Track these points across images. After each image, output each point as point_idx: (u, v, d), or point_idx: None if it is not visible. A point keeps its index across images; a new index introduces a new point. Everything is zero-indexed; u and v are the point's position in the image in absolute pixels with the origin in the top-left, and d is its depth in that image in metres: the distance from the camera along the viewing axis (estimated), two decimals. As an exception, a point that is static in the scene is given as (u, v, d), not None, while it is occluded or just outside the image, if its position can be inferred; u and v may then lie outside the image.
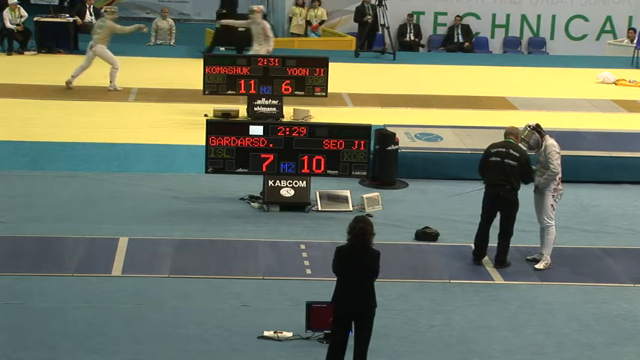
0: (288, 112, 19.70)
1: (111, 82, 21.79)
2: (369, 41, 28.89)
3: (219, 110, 19.66)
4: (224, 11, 26.08)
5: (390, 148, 16.14)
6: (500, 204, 12.68)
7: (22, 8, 26.28)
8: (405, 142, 16.78)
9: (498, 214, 12.77)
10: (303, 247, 13.26)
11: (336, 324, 9.52)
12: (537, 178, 12.85)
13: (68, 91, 21.69)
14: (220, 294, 11.69)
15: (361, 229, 9.35)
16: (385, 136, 16.24)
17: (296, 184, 14.76)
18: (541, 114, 20.38)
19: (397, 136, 16.37)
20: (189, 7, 35.76)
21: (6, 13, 25.92)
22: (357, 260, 9.40)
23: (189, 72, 22.59)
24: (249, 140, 14.51)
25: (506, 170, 12.57)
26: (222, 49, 26.37)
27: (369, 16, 29.16)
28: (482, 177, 13.06)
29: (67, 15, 26.96)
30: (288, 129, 14.59)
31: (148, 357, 10.16)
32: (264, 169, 14.58)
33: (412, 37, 30.71)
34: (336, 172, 14.64)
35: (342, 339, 9.53)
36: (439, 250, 13.41)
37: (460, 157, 16.58)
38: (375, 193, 15.10)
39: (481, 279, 12.51)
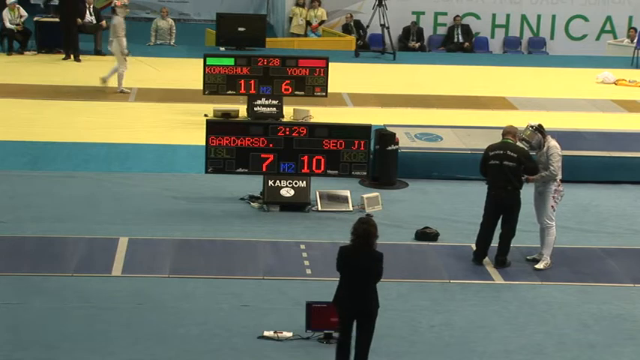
0: (288, 112, 19.69)
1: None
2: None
3: (219, 110, 19.67)
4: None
5: (390, 148, 16.13)
6: (503, 207, 12.69)
7: (21, 8, 26.26)
8: (405, 142, 16.77)
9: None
10: (303, 247, 13.26)
11: (341, 324, 9.54)
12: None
13: (68, 91, 21.68)
14: (220, 294, 11.69)
15: (364, 230, 9.35)
16: (385, 136, 16.24)
17: (296, 184, 14.76)
18: (541, 114, 20.39)
19: (397, 136, 16.37)
20: (189, 7, 35.73)
21: (5, 13, 25.91)
22: (360, 261, 9.40)
23: (189, 72, 22.58)
24: (249, 140, 14.51)
25: (506, 172, 12.56)
26: (222, 49, 26.37)
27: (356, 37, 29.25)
28: (485, 177, 13.04)
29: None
30: (288, 129, 14.59)
31: (148, 357, 10.16)
32: (264, 169, 14.58)
33: (414, 44, 30.72)
34: (336, 172, 14.64)
35: (349, 339, 9.54)
36: (439, 250, 13.41)
37: (460, 157, 16.58)
38: (375, 193, 15.10)
39: (481, 279, 12.51)
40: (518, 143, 12.81)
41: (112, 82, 21.68)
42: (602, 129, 19.34)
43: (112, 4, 21.71)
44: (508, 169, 12.57)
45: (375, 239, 9.37)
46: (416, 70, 26.18)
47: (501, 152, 12.67)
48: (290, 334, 10.59)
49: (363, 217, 9.60)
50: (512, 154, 12.61)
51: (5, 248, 12.82)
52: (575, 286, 12.43)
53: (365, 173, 14.94)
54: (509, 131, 12.89)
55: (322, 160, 14.55)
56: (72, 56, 25.39)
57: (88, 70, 24.15)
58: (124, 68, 21.40)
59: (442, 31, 31.73)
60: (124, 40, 21.24)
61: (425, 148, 16.82)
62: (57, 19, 26.31)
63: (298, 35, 30.48)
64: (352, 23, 30.33)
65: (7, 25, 25.84)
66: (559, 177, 12.73)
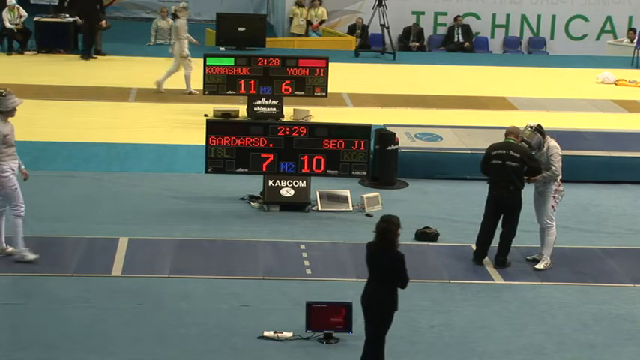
0: (288, 112, 19.70)
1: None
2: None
3: (219, 110, 19.67)
4: None
5: (390, 148, 16.13)
6: (504, 207, 12.69)
7: (21, 8, 26.28)
8: (405, 142, 16.77)
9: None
10: (303, 247, 13.25)
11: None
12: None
13: (68, 91, 21.69)
14: (220, 294, 11.69)
15: (382, 228, 9.41)
16: (385, 136, 16.24)
17: (296, 184, 14.75)
18: (541, 114, 20.40)
19: (397, 136, 16.36)
20: (190, 7, 35.69)
21: (5, 13, 25.91)
22: (379, 259, 9.42)
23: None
24: (249, 140, 14.51)
25: (508, 172, 12.55)
26: (222, 49, 26.37)
27: (358, 37, 29.39)
28: (486, 176, 13.04)
29: (67, 15, 26.93)
30: (288, 129, 14.58)
31: (148, 357, 10.16)
32: (264, 169, 14.58)
33: (414, 44, 30.76)
34: (336, 172, 14.64)
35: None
36: (439, 250, 13.41)
37: (460, 157, 16.58)
38: (375, 193, 15.09)
39: (481, 279, 12.51)
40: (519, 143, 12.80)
41: (166, 85, 21.70)
42: (602, 129, 19.34)
43: (173, 9, 21.76)
44: (511, 169, 12.56)
45: (395, 237, 9.39)
46: (416, 70, 26.19)
47: (504, 152, 12.66)
48: (290, 334, 10.59)
49: (386, 215, 9.63)
50: (515, 154, 12.59)
51: (5, 248, 12.82)
52: (575, 286, 12.43)
53: (365, 173, 14.93)
54: (511, 131, 12.87)
55: (322, 160, 14.54)
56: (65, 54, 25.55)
57: (89, 70, 24.19)
58: (189, 70, 21.42)
59: (442, 31, 31.75)
60: (186, 42, 21.33)
61: (425, 148, 16.82)
62: (57, 19, 26.36)
63: (299, 35, 30.48)
64: (361, 27, 30.29)
65: (7, 25, 25.85)
66: (559, 177, 12.73)
